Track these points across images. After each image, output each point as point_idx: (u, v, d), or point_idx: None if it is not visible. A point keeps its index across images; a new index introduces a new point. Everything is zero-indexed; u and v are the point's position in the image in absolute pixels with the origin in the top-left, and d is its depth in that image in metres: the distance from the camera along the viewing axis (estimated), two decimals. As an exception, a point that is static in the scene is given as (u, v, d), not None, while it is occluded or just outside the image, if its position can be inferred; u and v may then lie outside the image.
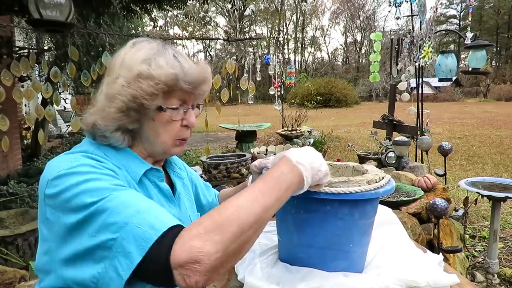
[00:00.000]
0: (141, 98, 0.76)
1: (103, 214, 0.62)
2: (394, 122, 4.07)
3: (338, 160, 2.97)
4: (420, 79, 3.73)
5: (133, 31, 6.10)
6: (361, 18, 44.81)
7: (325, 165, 0.77)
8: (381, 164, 3.63)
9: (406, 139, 3.61)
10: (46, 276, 0.71)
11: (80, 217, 0.64)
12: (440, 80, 3.55)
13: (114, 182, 0.69)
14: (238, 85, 3.51)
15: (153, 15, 5.09)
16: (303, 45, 43.36)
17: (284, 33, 38.76)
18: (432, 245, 2.47)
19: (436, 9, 3.19)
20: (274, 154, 4.42)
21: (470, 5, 3.35)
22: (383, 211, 1.15)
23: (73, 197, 0.65)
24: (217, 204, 1.16)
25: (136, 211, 0.62)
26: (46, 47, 4.96)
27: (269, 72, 4.72)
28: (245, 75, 3.58)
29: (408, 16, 3.78)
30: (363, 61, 42.49)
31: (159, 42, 0.83)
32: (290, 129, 7.63)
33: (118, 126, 0.78)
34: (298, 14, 39.98)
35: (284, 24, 41.32)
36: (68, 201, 0.66)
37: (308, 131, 7.39)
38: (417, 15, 3.56)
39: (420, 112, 3.77)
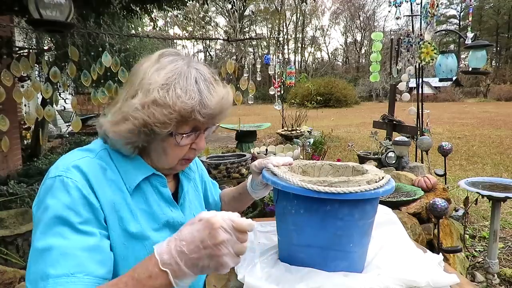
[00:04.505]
0: (153, 125, 0.74)
1: (45, 257, 0.66)
2: (394, 122, 4.07)
3: (338, 160, 2.96)
4: (420, 79, 3.73)
5: (133, 31, 6.10)
6: (361, 18, 44.83)
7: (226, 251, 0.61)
8: (381, 164, 3.62)
9: (406, 139, 3.61)
10: None
11: (32, 239, 0.70)
12: (440, 80, 3.55)
13: (69, 218, 0.69)
14: (238, 85, 3.51)
15: (153, 15, 5.09)
16: (303, 45, 43.37)
17: (284, 33, 38.78)
18: (432, 245, 2.47)
19: (432, 4, 3.18)
20: (274, 154, 4.42)
21: (470, 5, 3.35)
22: (383, 211, 1.15)
23: (38, 218, 0.71)
24: (220, 203, 1.18)
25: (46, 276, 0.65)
26: (46, 47, 4.96)
27: (269, 72, 4.72)
28: (245, 75, 3.58)
29: (408, 16, 3.78)
30: (363, 61, 42.51)
31: (185, 60, 0.79)
32: (290, 129, 7.63)
33: (128, 143, 0.78)
34: (298, 14, 39.99)
35: (284, 24, 41.36)
36: (37, 216, 0.72)
37: (308, 131, 7.39)
38: (417, 15, 3.56)
39: (420, 112, 3.77)
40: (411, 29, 3.67)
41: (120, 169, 0.80)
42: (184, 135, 0.79)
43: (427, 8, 3.30)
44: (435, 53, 3.33)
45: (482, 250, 3.04)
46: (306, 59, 44.60)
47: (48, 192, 0.71)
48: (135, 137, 0.76)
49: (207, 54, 38.27)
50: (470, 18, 3.30)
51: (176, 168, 0.87)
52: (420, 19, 3.45)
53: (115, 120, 0.77)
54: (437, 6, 3.21)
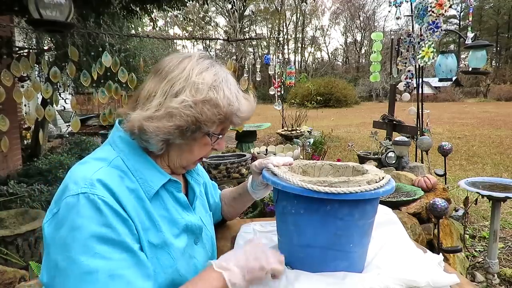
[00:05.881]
0: (202, 122, 0.77)
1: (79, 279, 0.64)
2: (394, 122, 4.07)
3: (338, 160, 2.97)
4: (420, 79, 3.73)
5: (133, 31, 6.09)
6: (361, 18, 44.83)
7: (271, 264, 0.76)
8: (381, 164, 3.63)
9: (406, 139, 3.61)
10: None
11: (57, 260, 0.66)
12: (440, 80, 3.55)
13: (106, 236, 0.68)
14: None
15: (153, 16, 5.09)
16: (303, 45, 43.37)
17: (284, 33, 38.79)
18: (432, 245, 2.47)
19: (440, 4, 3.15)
20: (274, 154, 4.41)
21: (470, 5, 3.35)
22: (383, 211, 1.15)
23: (61, 238, 0.67)
24: (220, 205, 1.18)
25: None
26: (46, 47, 4.96)
27: (269, 72, 4.73)
28: (245, 75, 3.58)
29: (408, 16, 3.78)
30: (363, 61, 42.51)
31: (220, 65, 0.84)
32: (290, 129, 7.64)
33: (165, 139, 0.77)
34: (298, 14, 39.97)
35: (284, 24, 41.36)
36: (59, 235, 0.67)
37: (308, 131, 7.39)
38: (412, 15, 3.55)
39: (420, 112, 3.77)
40: (411, 29, 3.67)
41: (136, 176, 0.78)
42: (219, 136, 0.84)
43: (420, 8, 3.29)
44: (432, 54, 3.33)
45: (482, 250, 3.04)
46: (306, 59, 44.64)
47: (72, 210, 0.67)
48: (180, 134, 0.77)
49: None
50: (470, 18, 3.30)
51: (189, 167, 0.90)
52: (421, 19, 3.44)
53: (157, 115, 0.75)
54: (449, 6, 3.17)
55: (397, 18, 3.69)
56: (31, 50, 3.68)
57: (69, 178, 0.73)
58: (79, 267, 0.64)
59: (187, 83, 0.77)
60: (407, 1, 3.56)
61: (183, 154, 0.84)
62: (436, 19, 3.19)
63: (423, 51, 3.35)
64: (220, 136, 0.84)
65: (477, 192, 2.45)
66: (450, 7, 3.19)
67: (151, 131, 0.75)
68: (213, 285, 0.71)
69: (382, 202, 1.45)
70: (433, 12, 3.19)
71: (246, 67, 3.58)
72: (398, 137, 3.72)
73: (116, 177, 0.74)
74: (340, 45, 50.65)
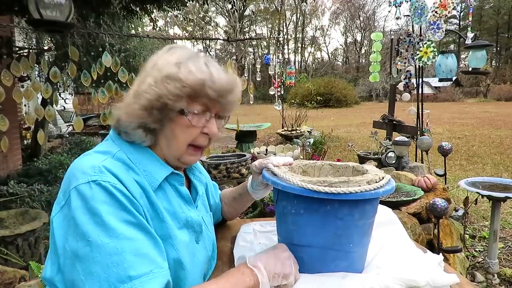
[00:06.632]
0: (165, 98, 0.77)
1: (94, 260, 0.65)
2: (394, 122, 4.07)
3: (338, 160, 2.97)
4: (420, 79, 3.73)
5: (133, 31, 6.09)
6: (361, 18, 44.84)
7: (289, 272, 0.79)
8: (381, 164, 3.63)
9: (406, 139, 3.61)
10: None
11: (77, 248, 0.66)
12: (440, 80, 3.55)
13: (124, 219, 0.69)
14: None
15: (153, 16, 5.08)
16: (303, 45, 43.38)
17: (284, 33, 38.79)
18: (432, 245, 2.47)
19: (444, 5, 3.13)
20: (274, 154, 4.40)
21: (470, 5, 3.34)
22: (383, 211, 1.15)
23: (79, 226, 0.67)
24: (220, 205, 1.18)
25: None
26: (46, 47, 4.96)
27: (269, 72, 4.72)
28: (245, 75, 3.58)
29: (408, 16, 3.78)
30: (363, 61, 42.53)
31: (194, 50, 0.85)
32: (290, 129, 7.64)
33: (140, 123, 0.79)
34: (298, 14, 39.98)
35: (284, 24, 41.36)
36: (75, 224, 0.67)
37: (308, 131, 7.40)
38: (408, 16, 3.55)
39: (420, 112, 3.77)
40: (411, 29, 3.67)
41: (140, 169, 0.79)
42: (195, 114, 0.80)
43: (416, 7, 3.28)
44: (432, 54, 3.32)
45: (482, 250, 3.04)
46: (306, 59, 44.64)
47: (85, 198, 0.68)
48: (148, 114, 0.77)
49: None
50: (470, 18, 3.30)
51: (185, 158, 0.85)
52: (418, 18, 3.44)
53: (128, 102, 0.79)
54: (453, 8, 3.16)
55: (397, 18, 3.69)
56: (31, 50, 3.68)
57: (75, 169, 0.74)
58: (105, 250, 0.65)
59: (153, 68, 0.80)
60: (407, 1, 3.56)
61: (170, 141, 0.82)
62: (437, 20, 3.18)
63: (420, 51, 3.34)
64: (196, 112, 0.80)
65: (477, 192, 2.45)
66: (453, 8, 3.18)
67: (123, 119, 0.79)
68: (245, 280, 0.74)
69: (382, 202, 1.45)
70: (436, 12, 3.18)
71: (246, 67, 3.58)
72: (398, 137, 3.72)
73: (122, 168, 0.76)
74: (340, 45, 50.72)
